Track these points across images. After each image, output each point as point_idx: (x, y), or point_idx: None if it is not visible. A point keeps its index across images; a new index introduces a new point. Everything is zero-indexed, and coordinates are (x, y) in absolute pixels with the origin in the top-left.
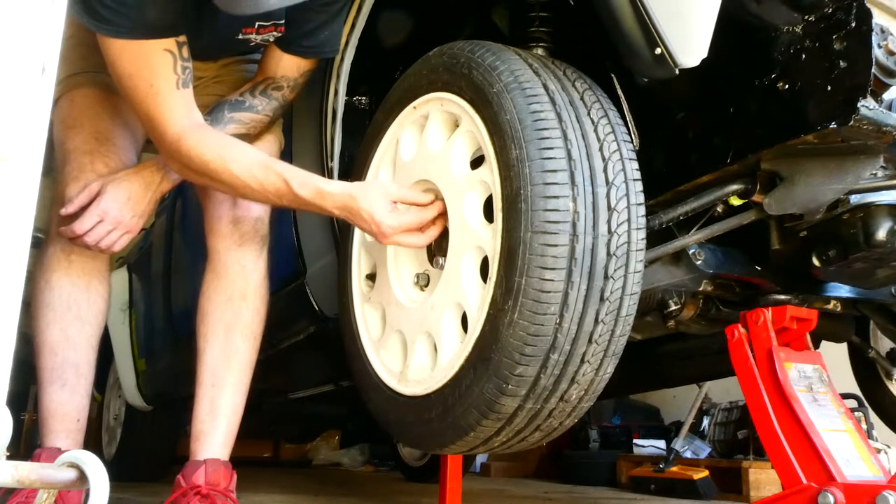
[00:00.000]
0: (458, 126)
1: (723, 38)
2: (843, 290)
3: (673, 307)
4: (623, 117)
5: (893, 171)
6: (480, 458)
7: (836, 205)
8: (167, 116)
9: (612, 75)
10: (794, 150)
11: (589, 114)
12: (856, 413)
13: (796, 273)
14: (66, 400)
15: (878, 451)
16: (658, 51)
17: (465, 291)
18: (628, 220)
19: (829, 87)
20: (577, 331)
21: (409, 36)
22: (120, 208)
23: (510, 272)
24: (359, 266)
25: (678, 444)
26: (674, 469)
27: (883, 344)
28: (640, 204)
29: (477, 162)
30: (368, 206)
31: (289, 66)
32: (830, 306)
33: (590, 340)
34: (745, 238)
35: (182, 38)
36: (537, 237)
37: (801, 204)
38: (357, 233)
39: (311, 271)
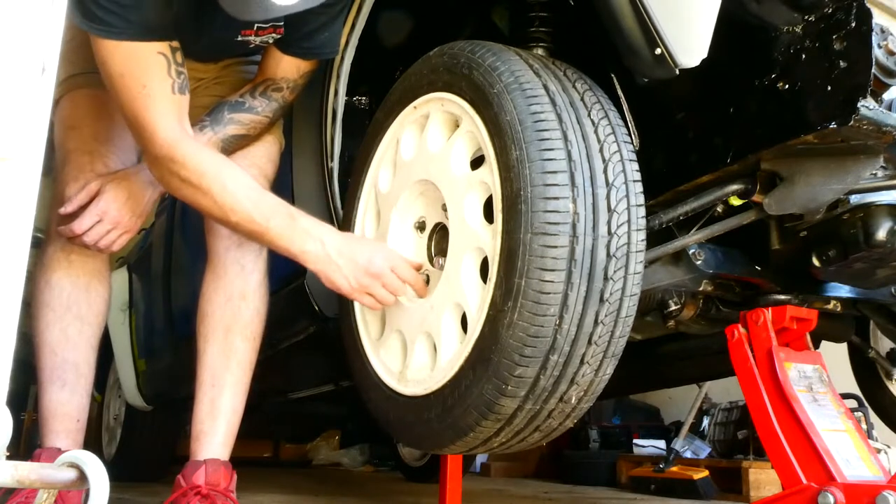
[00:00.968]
0: (458, 126)
1: (723, 39)
2: (843, 290)
3: (673, 307)
4: (623, 118)
5: (893, 171)
6: (480, 458)
7: (836, 205)
8: (158, 120)
9: (612, 75)
10: (794, 150)
11: (589, 115)
12: (856, 413)
13: (796, 273)
14: (67, 400)
15: (878, 451)
16: (658, 51)
17: (465, 292)
18: (628, 221)
19: (829, 87)
20: (576, 332)
21: (409, 36)
22: (119, 208)
23: (510, 273)
24: None
25: (678, 444)
26: (674, 469)
27: (883, 344)
28: (639, 205)
29: (477, 162)
30: (369, 250)
31: (288, 68)
32: (830, 306)
33: (589, 342)
34: (745, 238)
35: (175, 44)
36: (537, 238)
37: (801, 204)
38: (358, 230)
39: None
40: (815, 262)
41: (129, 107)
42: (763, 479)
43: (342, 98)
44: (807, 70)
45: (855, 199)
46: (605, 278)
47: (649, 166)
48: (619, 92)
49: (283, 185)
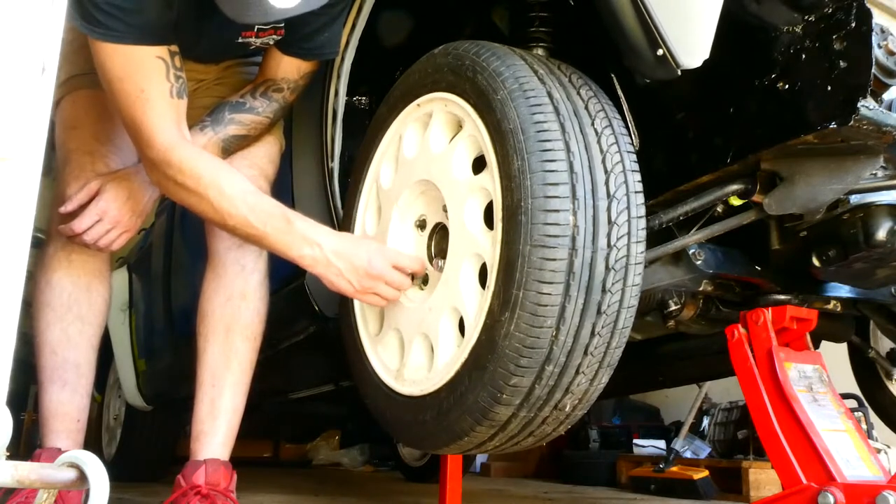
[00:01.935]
0: (461, 128)
1: (723, 38)
2: (843, 290)
3: (673, 307)
4: (623, 118)
5: (893, 171)
6: (480, 458)
7: (836, 205)
8: (156, 123)
9: (612, 75)
10: (794, 150)
11: (593, 124)
12: (856, 413)
13: (796, 273)
14: (67, 400)
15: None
16: (660, 52)
17: (463, 297)
18: (628, 233)
19: (829, 87)
20: (573, 343)
21: (409, 36)
22: (119, 207)
23: (508, 284)
24: None
25: (678, 444)
26: (674, 469)
27: (883, 344)
28: (640, 217)
29: (478, 161)
30: (367, 251)
31: (289, 68)
32: (830, 306)
33: (585, 352)
34: (745, 238)
35: (174, 48)
36: (536, 251)
37: (801, 204)
38: (358, 227)
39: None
40: (815, 262)
41: (127, 111)
42: (763, 479)
43: (342, 98)
44: (807, 70)
45: (855, 199)
46: (603, 290)
47: (649, 166)
48: (619, 92)
49: (283, 185)
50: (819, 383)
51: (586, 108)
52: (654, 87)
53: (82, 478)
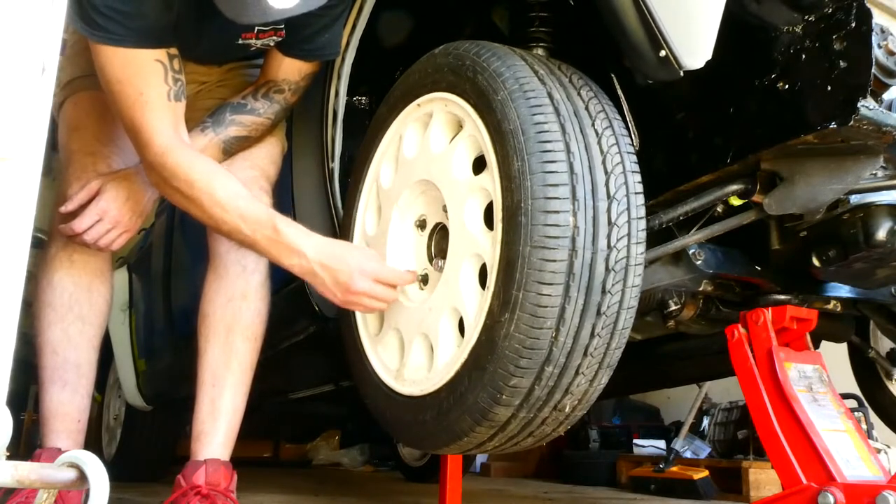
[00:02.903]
0: (461, 128)
1: (723, 39)
2: (843, 290)
3: (673, 307)
4: (624, 118)
5: (893, 171)
6: (480, 458)
7: (836, 205)
8: (155, 126)
9: (612, 75)
10: (794, 150)
11: (593, 124)
12: (856, 413)
13: (796, 273)
14: (68, 400)
15: (878, 451)
16: (662, 53)
17: (463, 298)
18: (628, 234)
19: (829, 87)
20: (572, 344)
21: (410, 36)
22: (119, 207)
23: (508, 285)
24: None
25: (678, 444)
26: (674, 469)
27: (883, 344)
28: (640, 218)
29: (478, 161)
30: (350, 266)
31: (290, 70)
32: (830, 306)
33: (585, 353)
34: (745, 238)
35: (173, 51)
36: (536, 252)
37: (801, 204)
38: (358, 227)
39: None
40: (815, 262)
41: (125, 113)
42: (763, 479)
43: (343, 99)
44: (807, 70)
45: (855, 199)
46: (603, 291)
47: (649, 166)
48: (619, 92)
49: (283, 185)
50: (819, 383)
51: (587, 108)
52: (654, 87)
53: (82, 478)
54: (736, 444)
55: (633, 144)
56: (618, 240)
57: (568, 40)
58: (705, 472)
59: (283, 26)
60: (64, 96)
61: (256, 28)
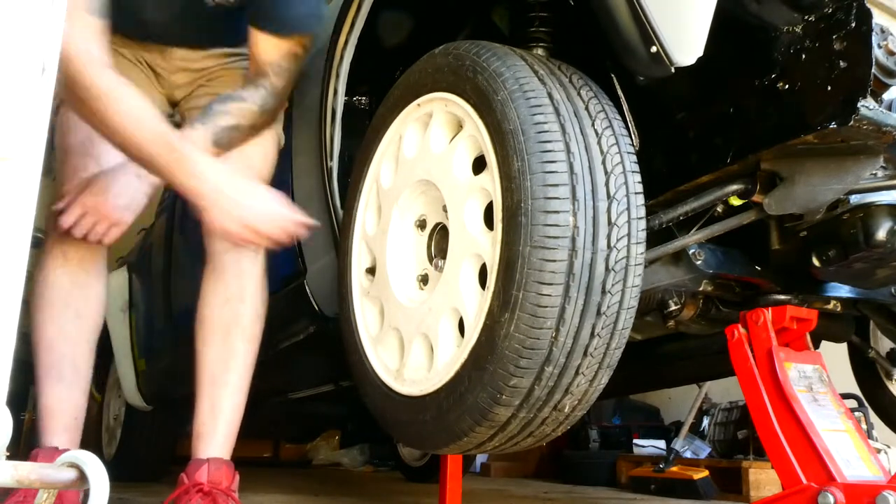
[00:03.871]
0: (461, 128)
1: (723, 39)
2: (843, 290)
3: (673, 307)
4: (623, 118)
5: (893, 171)
6: (480, 458)
7: (836, 205)
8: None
9: (612, 75)
10: (794, 150)
11: (593, 124)
12: (856, 413)
13: (796, 273)
14: (65, 396)
15: (878, 451)
16: (654, 49)
17: (463, 298)
18: (628, 234)
19: (829, 87)
20: (572, 344)
21: (409, 36)
22: (104, 201)
23: (508, 285)
24: (359, 258)
25: (678, 444)
26: (674, 469)
27: (883, 344)
28: (640, 218)
29: (478, 161)
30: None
31: (268, 48)
32: (830, 306)
33: (585, 353)
34: (745, 238)
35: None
36: (536, 252)
37: (801, 204)
38: (358, 224)
39: (311, 271)
40: (815, 262)
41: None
42: (763, 479)
43: (342, 98)
44: (807, 70)
45: (855, 199)
46: (604, 292)
47: (649, 166)
48: (619, 92)
49: (282, 184)
50: (819, 383)
51: (587, 108)
52: (654, 86)
53: (82, 478)
54: (736, 444)
55: (632, 144)
56: (618, 240)
57: (568, 40)
58: (705, 472)
59: None
60: (62, 99)
61: None
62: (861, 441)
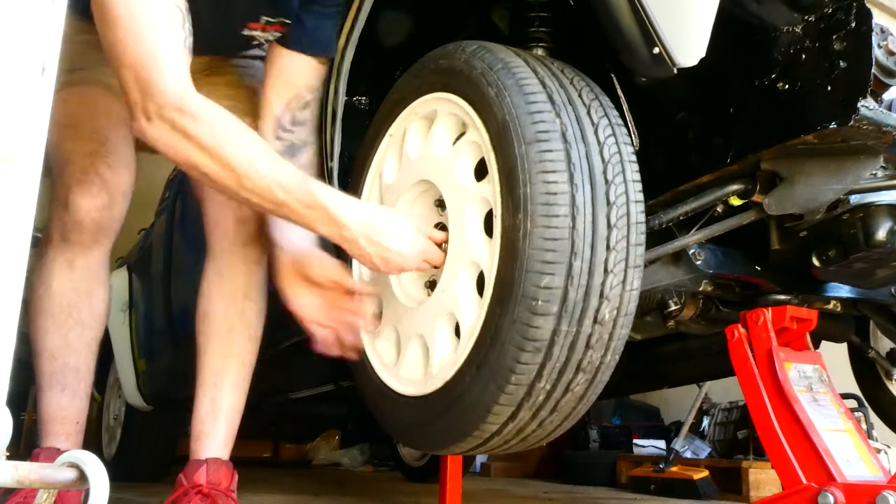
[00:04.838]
0: (464, 129)
1: (723, 39)
2: (843, 290)
3: (673, 307)
4: (624, 120)
5: (893, 171)
6: (480, 458)
7: (836, 205)
8: (172, 65)
9: (612, 75)
10: (794, 150)
11: (595, 132)
12: (856, 413)
13: (796, 273)
14: (67, 404)
15: (878, 451)
16: (656, 50)
17: (460, 304)
18: (627, 236)
19: (829, 87)
20: (566, 358)
21: (409, 36)
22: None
23: (506, 289)
24: None
25: (678, 444)
26: (674, 469)
27: (883, 344)
28: (640, 223)
29: (480, 161)
30: (399, 246)
31: (307, 72)
32: (830, 306)
33: (578, 369)
34: (745, 238)
35: (185, 6)
36: (536, 254)
37: (801, 204)
38: None
39: None
40: (815, 262)
41: (133, 50)
42: (763, 479)
43: (342, 98)
44: (807, 70)
45: (855, 199)
46: (601, 297)
47: (649, 166)
48: (619, 92)
49: None
50: (819, 383)
51: (588, 113)
52: (654, 86)
53: (82, 478)
54: (736, 444)
55: (633, 144)
56: (616, 241)
57: (568, 40)
58: (705, 472)
59: (289, 21)
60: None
61: (264, 18)
62: (861, 441)
